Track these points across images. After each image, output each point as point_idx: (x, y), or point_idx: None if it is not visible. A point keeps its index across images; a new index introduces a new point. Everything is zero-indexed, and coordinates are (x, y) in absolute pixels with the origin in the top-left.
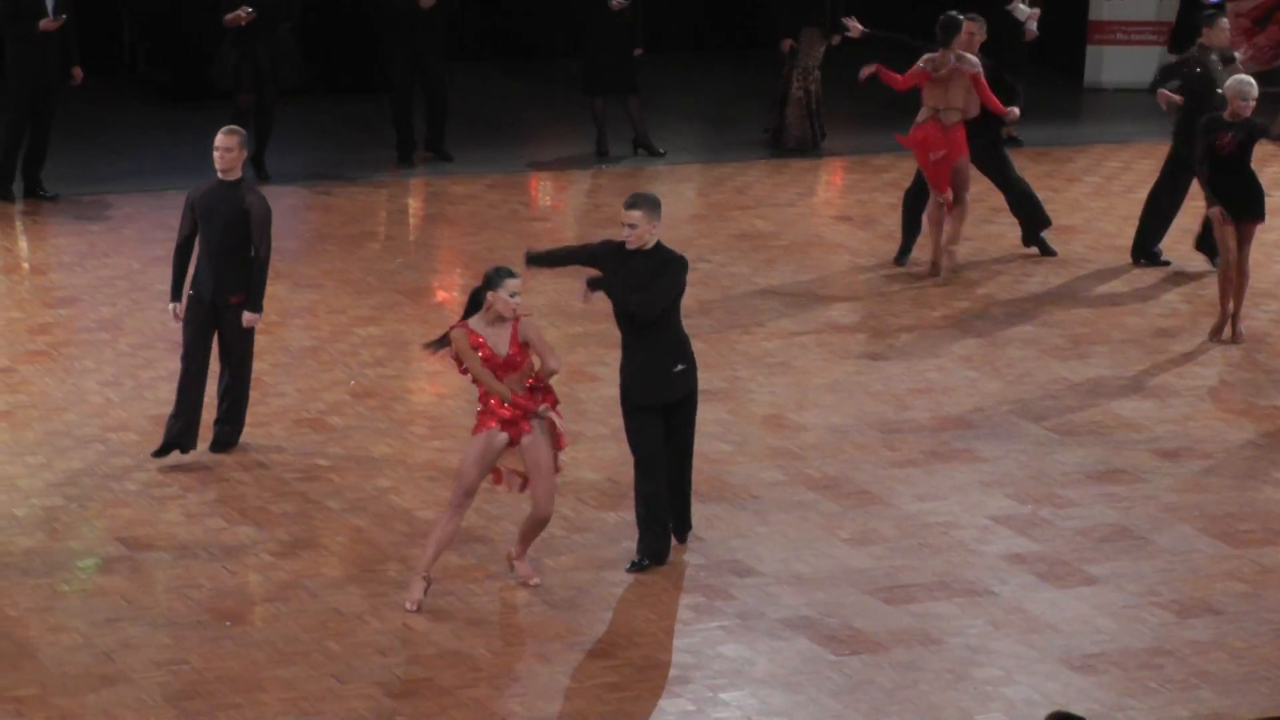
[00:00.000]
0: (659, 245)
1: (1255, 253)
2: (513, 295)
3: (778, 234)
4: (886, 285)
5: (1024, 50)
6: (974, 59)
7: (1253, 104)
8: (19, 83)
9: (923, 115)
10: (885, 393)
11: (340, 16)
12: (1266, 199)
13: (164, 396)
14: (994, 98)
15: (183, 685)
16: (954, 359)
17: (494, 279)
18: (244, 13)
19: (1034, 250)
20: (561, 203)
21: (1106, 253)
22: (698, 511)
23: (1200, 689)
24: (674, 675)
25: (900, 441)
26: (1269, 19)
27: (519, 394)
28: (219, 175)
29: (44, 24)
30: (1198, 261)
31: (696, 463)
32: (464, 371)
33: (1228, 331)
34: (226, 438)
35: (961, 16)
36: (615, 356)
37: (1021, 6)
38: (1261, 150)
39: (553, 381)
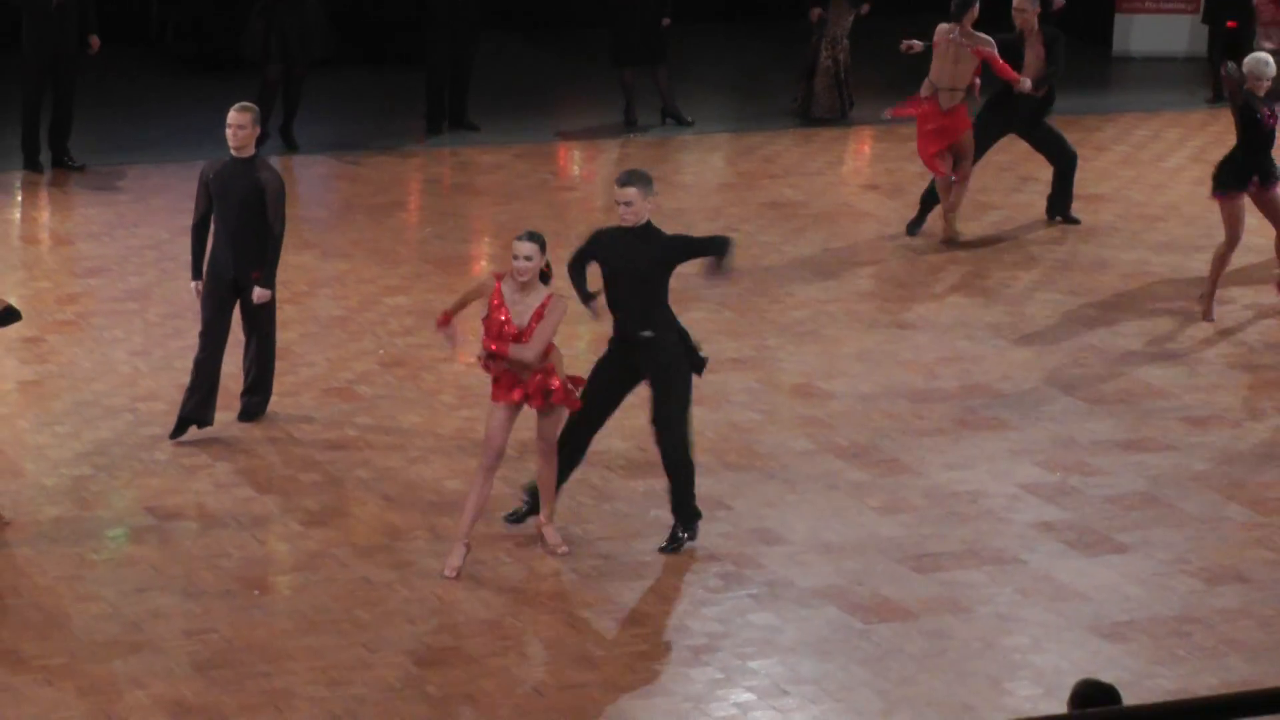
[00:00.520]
0: (649, 224)
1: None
2: (517, 258)
3: (806, 203)
4: (915, 254)
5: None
6: (985, 37)
7: (1267, 83)
8: (36, 53)
9: (924, 91)
10: (914, 361)
11: None
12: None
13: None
14: (1008, 70)
15: (211, 654)
16: (982, 328)
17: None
18: None
19: (1059, 219)
20: (590, 172)
21: (1135, 221)
22: (726, 479)
23: (1229, 656)
24: (703, 644)
25: (929, 410)
26: None
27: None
28: (232, 152)
29: None
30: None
31: (724, 430)
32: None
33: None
34: (255, 408)
35: None
36: None
37: None
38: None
39: (581, 345)
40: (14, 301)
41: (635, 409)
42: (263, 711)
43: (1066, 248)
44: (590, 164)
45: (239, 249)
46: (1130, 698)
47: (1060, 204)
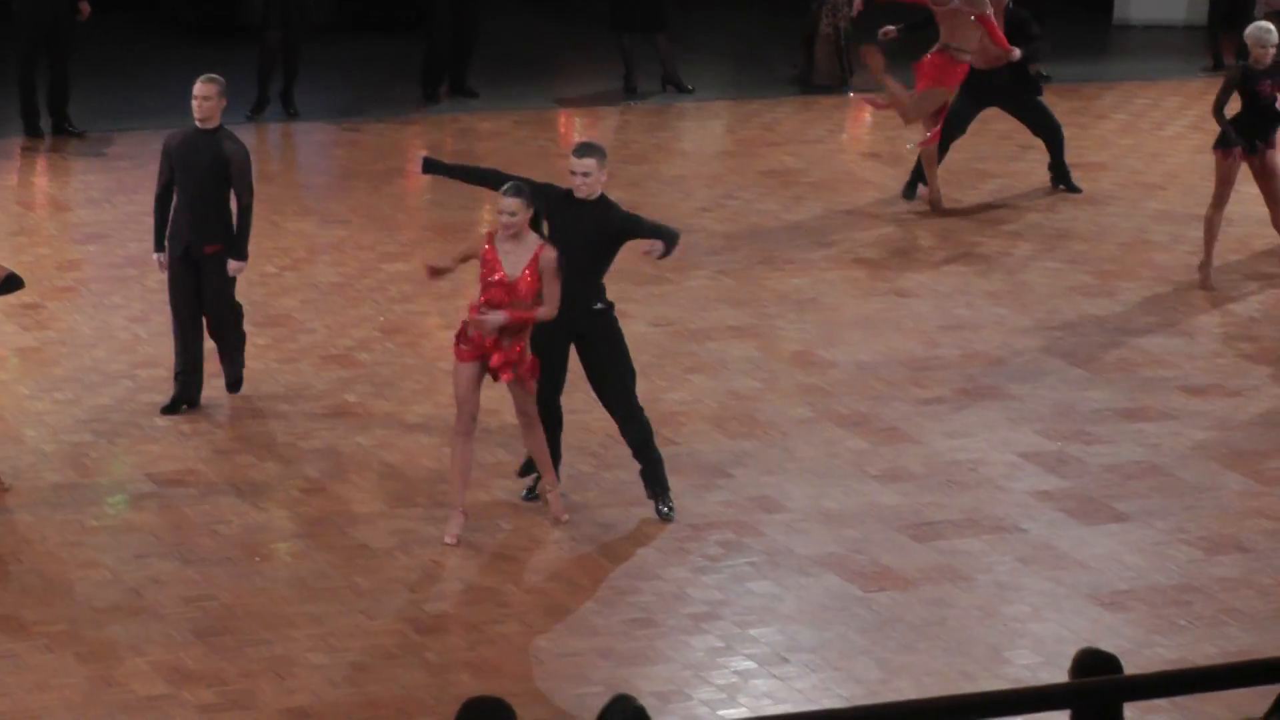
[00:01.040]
0: (603, 196)
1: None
2: (503, 214)
3: (806, 171)
4: (915, 222)
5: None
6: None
7: (1272, 50)
8: (29, 20)
9: (938, 46)
10: (914, 329)
11: None
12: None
13: None
14: (1002, 38)
15: (211, 621)
16: (982, 296)
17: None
18: None
19: (1061, 187)
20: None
21: (1135, 190)
22: (726, 447)
23: (1228, 626)
24: (702, 611)
25: (929, 378)
26: None
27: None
28: (196, 123)
29: None
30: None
31: (724, 399)
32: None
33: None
34: (231, 382)
35: None
36: (643, 293)
37: None
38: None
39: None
40: (13, 268)
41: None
42: (262, 678)
43: (1065, 216)
44: (589, 131)
45: (196, 220)
46: (1130, 667)
47: (1060, 175)
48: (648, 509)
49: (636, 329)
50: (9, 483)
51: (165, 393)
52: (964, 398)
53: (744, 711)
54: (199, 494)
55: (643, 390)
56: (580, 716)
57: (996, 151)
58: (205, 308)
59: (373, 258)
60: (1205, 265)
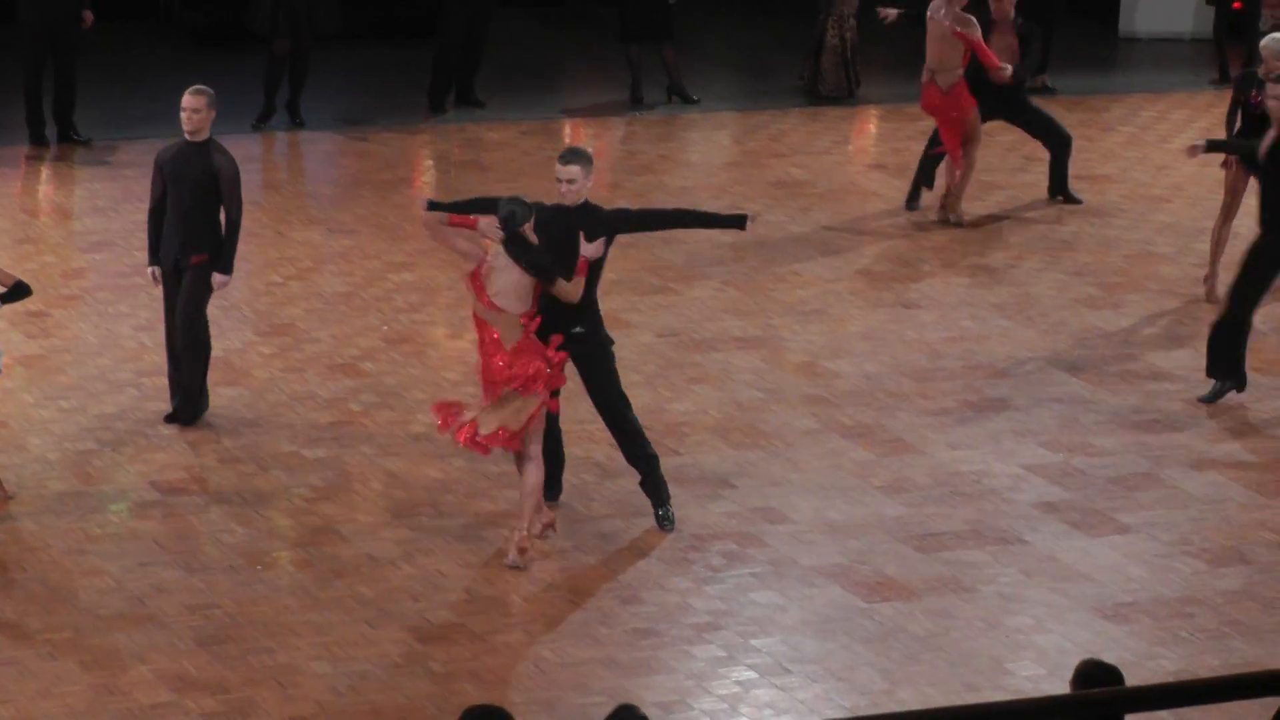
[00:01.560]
0: (586, 202)
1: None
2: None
3: (812, 182)
4: (920, 233)
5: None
6: (970, 19)
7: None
8: (33, 27)
9: (924, 77)
10: (919, 341)
11: None
12: None
13: None
14: (992, 59)
15: (215, 629)
16: (987, 307)
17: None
18: None
19: (1059, 198)
20: (596, 150)
21: (1140, 202)
22: (730, 458)
23: (1231, 638)
24: (706, 621)
25: (934, 389)
26: None
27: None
28: (186, 136)
29: None
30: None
31: (729, 409)
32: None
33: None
34: (182, 412)
35: None
36: (648, 303)
37: None
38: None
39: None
40: (19, 276)
41: (639, 388)
42: (265, 686)
43: (1071, 228)
44: (596, 141)
45: (186, 233)
46: (1132, 678)
47: (1058, 185)
48: (652, 519)
49: (642, 339)
50: (13, 491)
51: (169, 401)
52: (969, 409)
53: None
54: (203, 502)
55: (647, 400)
56: None
57: (1003, 164)
58: (176, 315)
59: (379, 267)
60: (1211, 278)
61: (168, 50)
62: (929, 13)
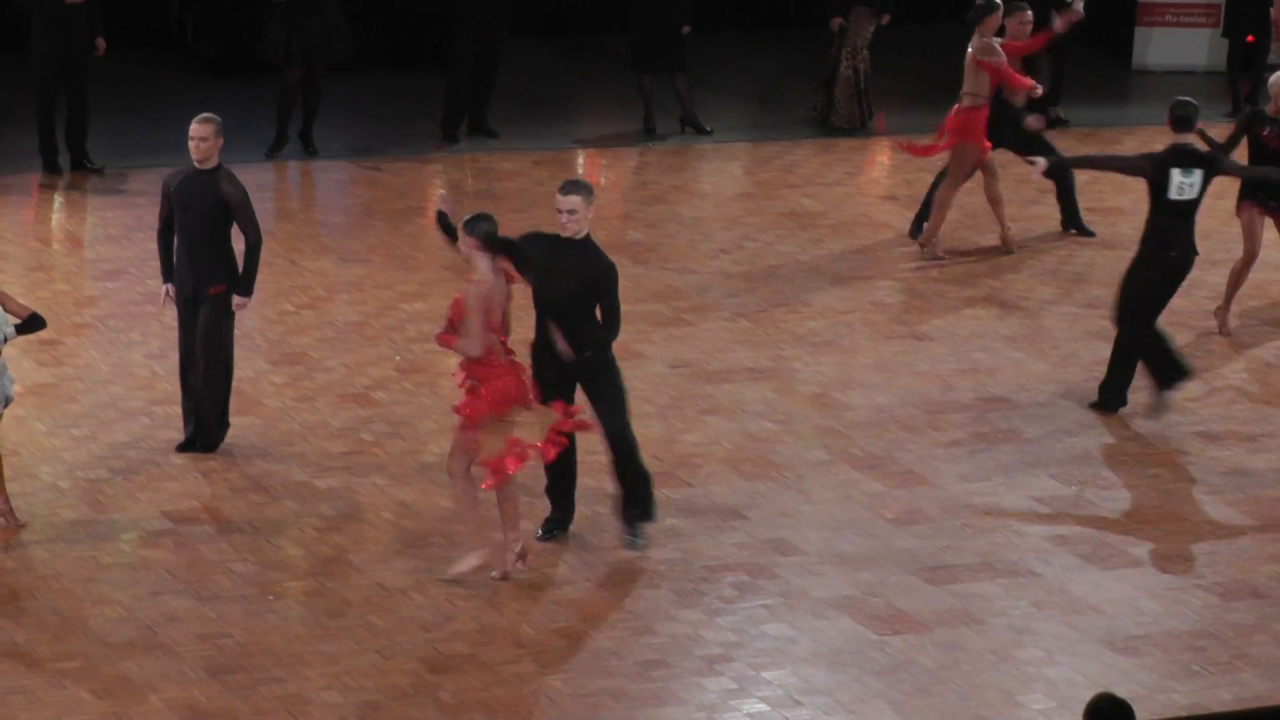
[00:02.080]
0: (588, 237)
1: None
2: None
3: (825, 213)
4: (932, 265)
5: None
6: (996, 48)
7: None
8: (45, 55)
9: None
10: (930, 372)
11: None
12: None
13: None
14: (1017, 79)
15: (225, 658)
16: (999, 339)
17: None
18: None
19: (1073, 231)
20: (608, 180)
21: None
22: (741, 489)
23: (1243, 672)
24: (716, 653)
25: (945, 421)
26: None
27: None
28: (195, 164)
29: None
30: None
31: (740, 440)
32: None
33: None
34: (204, 437)
35: (997, 2)
36: (660, 335)
37: None
38: None
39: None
40: (30, 304)
41: (651, 419)
42: (276, 716)
43: (1084, 260)
44: (608, 171)
45: (197, 262)
46: (1144, 712)
47: (1070, 218)
48: (662, 550)
49: (653, 370)
50: (24, 518)
51: (181, 430)
52: (980, 441)
53: None
54: (214, 531)
55: (659, 431)
56: None
57: (1015, 195)
58: (197, 345)
59: (391, 296)
60: (1223, 311)
61: (180, 78)
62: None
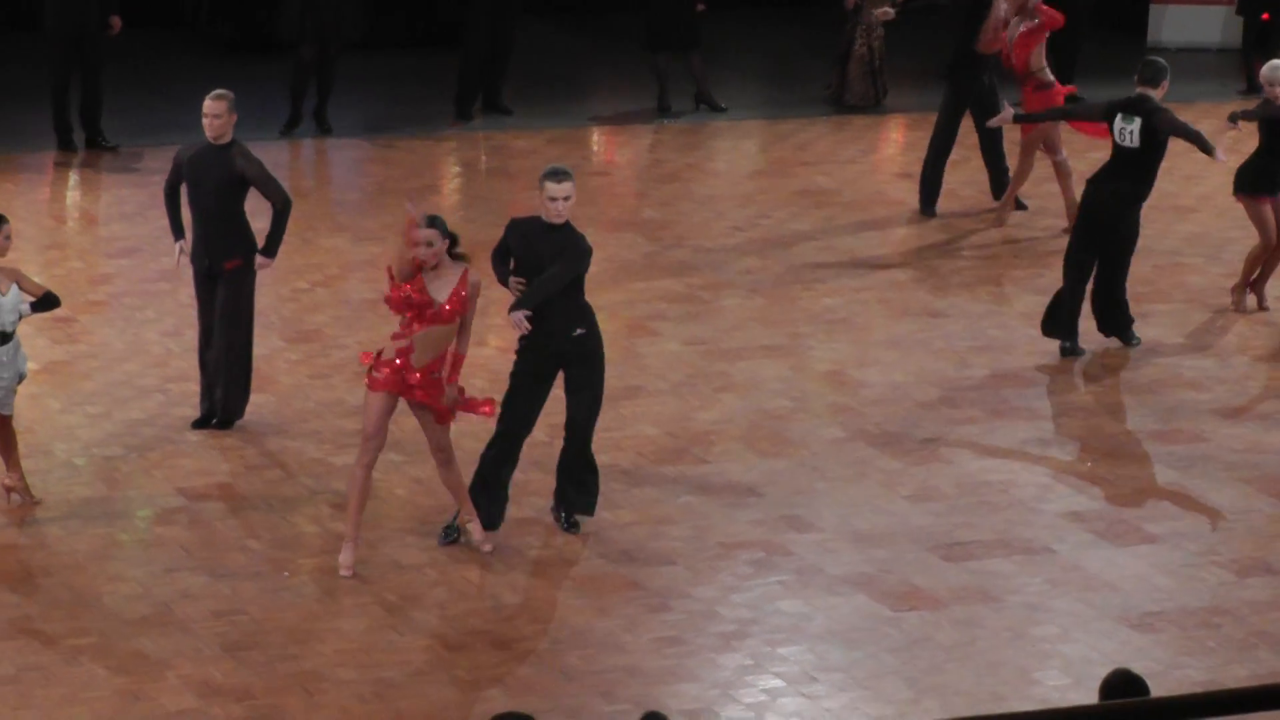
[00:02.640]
0: (568, 222)
1: None
2: (418, 244)
3: (839, 191)
4: (947, 242)
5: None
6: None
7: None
8: (59, 34)
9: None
10: (946, 350)
11: None
12: None
13: None
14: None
15: (240, 635)
16: (1014, 316)
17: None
18: None
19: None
20: (622, 158)
21: (1168, 212)
22: (757, 466)
23: (1258, 648)
24: (732, 630)
25: (960, 399)
26: None
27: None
28: (209, 139)
29: None
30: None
31: (756, 418)
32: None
33: (1251, 301)
34: (225, 411)
35: None
36: (676, 312)
37: None
38: None
39: (613, 330)
40: (45, 282)
41: (666, 396)
42: (291, 693)
43: None
44: (622, 149)
45: (210, 237)
46: (1158, 689)
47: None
48: (678, 527)
49: (669, 348)
50: (39, 496)
51: (196, 407)
52: (995, 418)
53: None
54: (229, 509)
55: (674, 409)
56: None
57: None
58: (218, 323)
59: None
60: (1239, 288)
61: (195, 57)
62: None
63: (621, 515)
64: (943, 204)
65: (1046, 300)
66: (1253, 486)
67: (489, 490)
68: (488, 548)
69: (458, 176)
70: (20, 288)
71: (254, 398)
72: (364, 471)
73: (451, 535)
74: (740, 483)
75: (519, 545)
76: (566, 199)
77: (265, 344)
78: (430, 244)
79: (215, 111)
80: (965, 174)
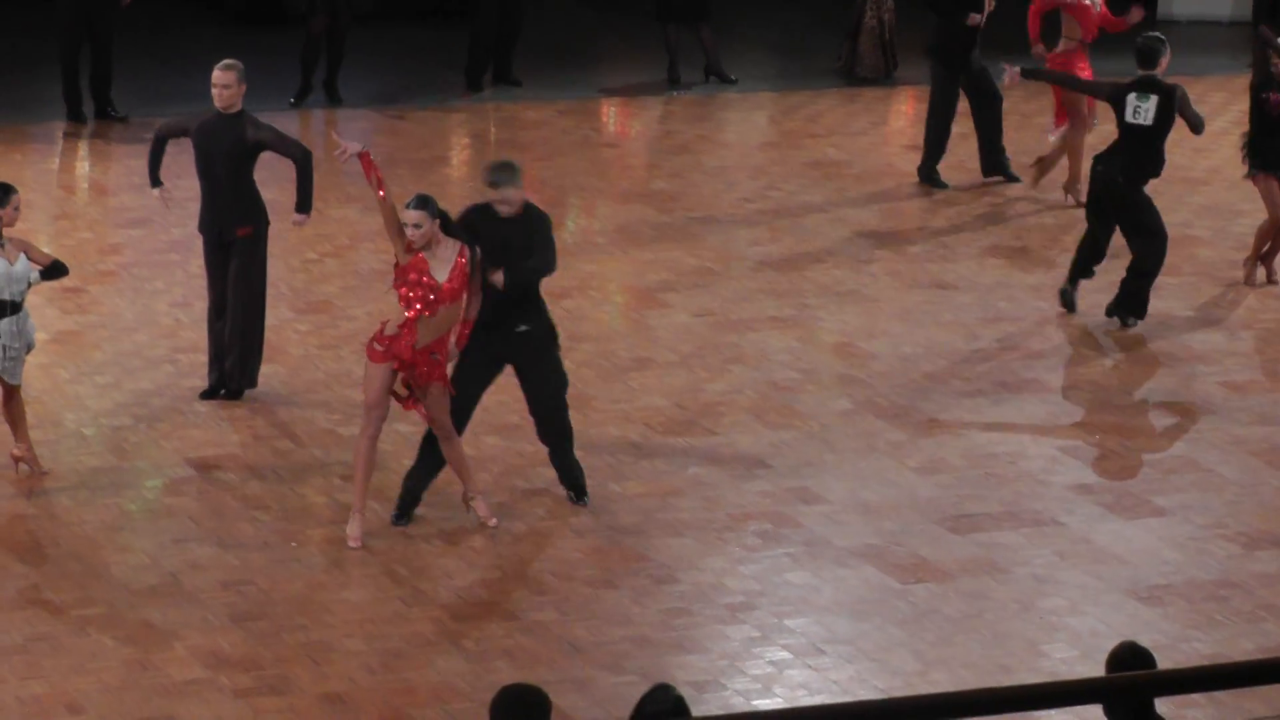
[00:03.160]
0: (527, 204)
1: None
2: (406, 225)
3: (849, 163)
4: (957, 215)
5: None
6: None
7: None
8: (71, 4)
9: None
10: (954, 322)
11: None
12: None
13: None
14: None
15: (249, 606)
16: (1023, 289)
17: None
18: None
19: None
20: (632, 129)
21: (1178, 185)
22: (765, 438)
23: (1266, 622)
24: (740, 602)
25: (969, 371)
26: None
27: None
28: (219, 109)
29: None
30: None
31: (764, 389)
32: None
33: (1261, 275)
34: (234, 382)
35: None
36: (685, 284)
37: None
38: None
39: (622, 302)
40: (55, 252)
41: (675, 368)
42: (299, 664)
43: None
44: (632, 121)
45: (220, 205)
46: (1166, 661)
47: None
48: (686, 499)
49: (678, 319)
50: (48, 466)
51: (205, 378)
52: (1004, 391)
53: (779, 702)
54: (238, 479)
55: (684, 381)
56: (616, 705)
57: (1040, 145)
58: (231, 293)
59: None
60: (1250, 261)
61: (205, 27)
62: None
63: (630, 487)
64: (953, 176)
65: (1057, 272)
66: (1261, 460)
67: (414, 475)
68: (493, 522)
69: (467, 148)
70: (28, 257)
71: (263, 368)
72: (369, 442)
73: (404, 521)
74: (749, 454)
75: (527, 516)
76: (508, 204)
77: (275, 315)
78: (418, 225)
79: (224, 82)
80: (975, 146)
